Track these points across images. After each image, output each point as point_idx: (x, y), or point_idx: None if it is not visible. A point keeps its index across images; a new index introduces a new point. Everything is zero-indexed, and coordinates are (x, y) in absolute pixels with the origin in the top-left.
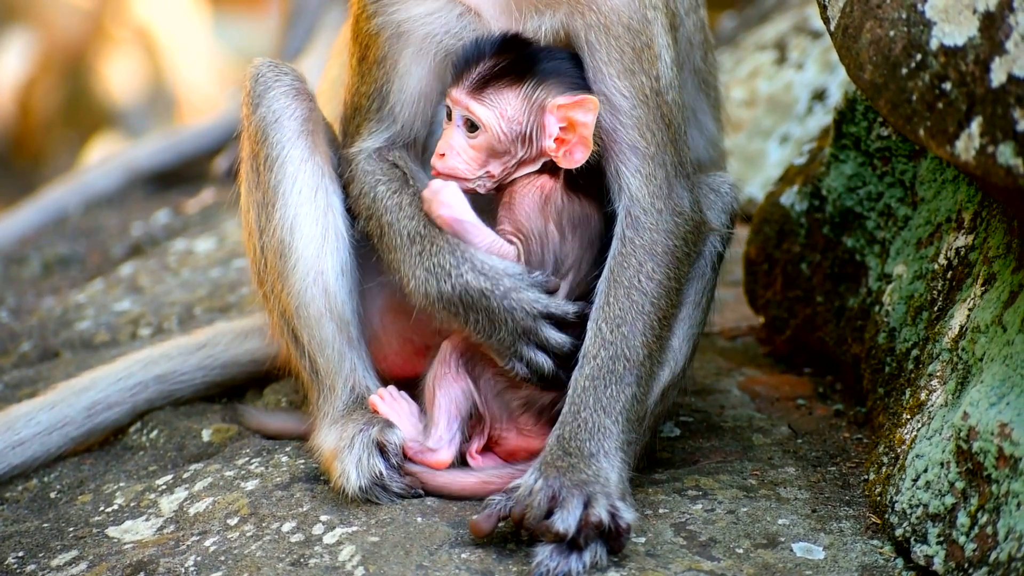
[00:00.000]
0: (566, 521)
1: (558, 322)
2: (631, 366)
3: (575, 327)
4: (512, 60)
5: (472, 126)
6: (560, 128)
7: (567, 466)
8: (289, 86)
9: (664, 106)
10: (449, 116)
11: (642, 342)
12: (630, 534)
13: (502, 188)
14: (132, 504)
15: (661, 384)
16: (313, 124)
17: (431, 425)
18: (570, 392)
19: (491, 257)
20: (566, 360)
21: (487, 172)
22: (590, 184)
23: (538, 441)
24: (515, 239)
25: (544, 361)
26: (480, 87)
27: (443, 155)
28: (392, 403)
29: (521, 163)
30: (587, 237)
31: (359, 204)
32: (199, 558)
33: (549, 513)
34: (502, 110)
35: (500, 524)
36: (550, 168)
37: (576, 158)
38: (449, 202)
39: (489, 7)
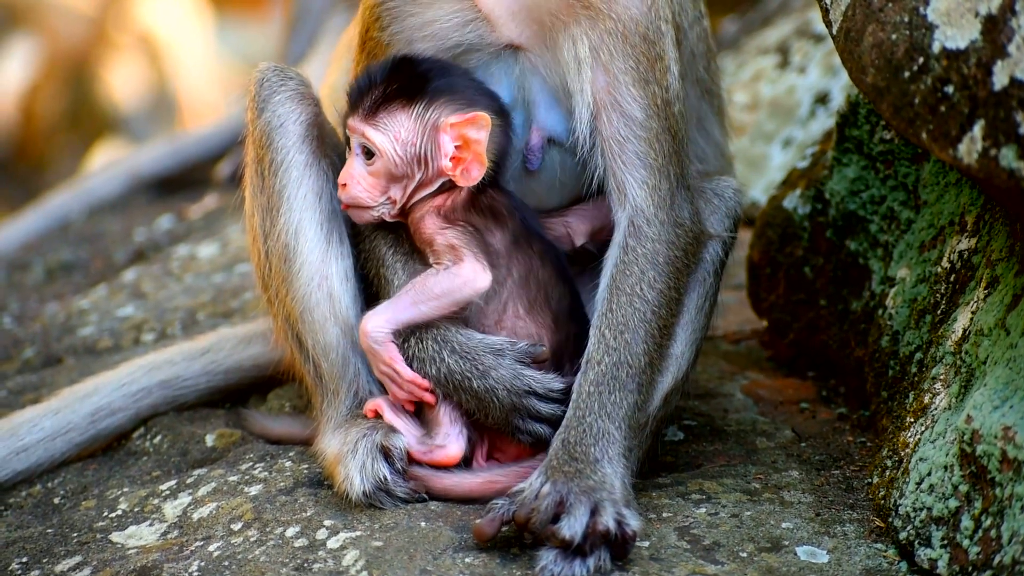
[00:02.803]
0: (573, 528)
1: (545, 396)
2: (634, 373)
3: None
4: (403, 82)
5: (369, 153)
6: (455, 147)
7: (574, 471)
8: (294, 91)
9: (672, 117)
10: (349, 146)
11: (644, 350)
12: (635, 541)
13: (405, 217)
14: (136, 509)
15: (664, 388)
16: (318, 129)
17: (436, 425)
18: (574, 397)
19: (473, 335)
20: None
21: (388, 198)
22: (493, 193)
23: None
24: (429, 253)
25: (541, 429)
26: (373, 112)
27: (344, 185)
28: (395, 408)
29: (420, 185)
30: (514, 230)
31: (360, 241)
32: (203, 563)
33: (555, 518)
34: (396, 133)
35: (504, 528)
36: (447, 188)
37: (473, 175)
38: (369, 333)
39: (504, 15)
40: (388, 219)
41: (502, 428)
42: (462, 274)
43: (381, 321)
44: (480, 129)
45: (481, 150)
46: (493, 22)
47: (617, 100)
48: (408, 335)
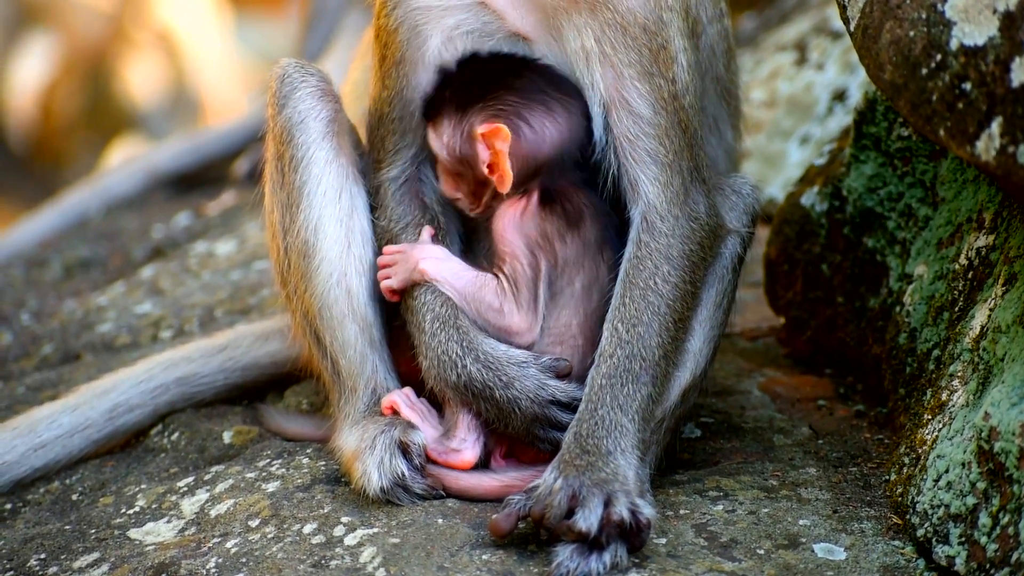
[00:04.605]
0: (588, 520)
1: (568, 405)
2: (647, 365)
3: None
4: (452, 87)
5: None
6: (488, 154)
7: (586, 464)
8: (315, 87)
9: (681, 111)
10: None
11: (658, 343)
12: (650, 530)
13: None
14: (154, 506)
15: (681, 385)
16: (339, 125)
17: (453, 427)
18: (587, 390)
19: (497, 346)
20: None
21: (461, 193)
22: (572, 193)
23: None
24: (498, 272)
25: (561, 437)
26: (431, 116)
27: (437, 178)
28: (413, 405)
29: (480, 185)
30: (587, 236)
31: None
32: (220, 560)
33: (570, 512)
34: (443, 138)
35: (520, 524)
36: (529, 189)
37: (507, 183)
38: (428, 259)
39: (507, 4)
40: (470, 214)
41: (521, 437)
42: (513, 313)
43: (441, 272)
44: (502, 141)
45: (501, 160)
46: (496, 9)
47: (625, 97)
48: (435, 333)
